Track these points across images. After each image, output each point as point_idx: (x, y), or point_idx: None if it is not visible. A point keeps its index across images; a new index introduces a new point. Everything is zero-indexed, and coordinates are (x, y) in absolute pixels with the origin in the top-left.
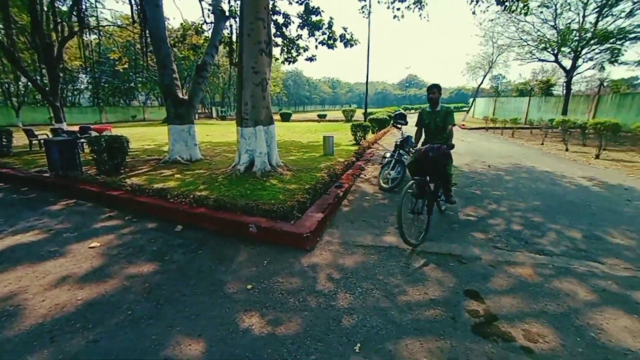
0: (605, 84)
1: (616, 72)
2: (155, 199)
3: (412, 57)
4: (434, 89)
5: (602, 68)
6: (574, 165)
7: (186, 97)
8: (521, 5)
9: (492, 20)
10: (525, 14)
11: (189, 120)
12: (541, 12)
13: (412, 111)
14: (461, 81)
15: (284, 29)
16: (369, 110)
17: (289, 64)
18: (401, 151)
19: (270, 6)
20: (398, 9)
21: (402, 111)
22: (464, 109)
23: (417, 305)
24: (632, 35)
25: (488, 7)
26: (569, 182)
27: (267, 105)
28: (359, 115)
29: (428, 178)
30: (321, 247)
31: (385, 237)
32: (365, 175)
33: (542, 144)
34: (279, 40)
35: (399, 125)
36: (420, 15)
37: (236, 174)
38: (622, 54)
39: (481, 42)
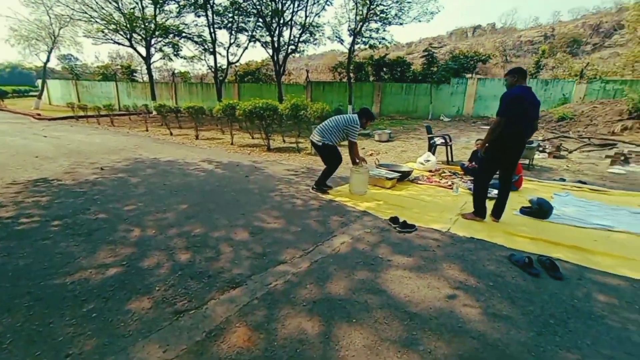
0: (176, 73)
1: (183, 65)
2: None
3: None
4: None
5: (170, 59)
6: (186, 148)
7: None
8: None
9: None
10: None
11: None
12: None
13: None
14: (14, 54)
15: None
16: None
17: None
18: None
19: None
20: None
21: None
22: (33, 93)
23: None
24: (183, 35)
25: None
26: (195, 169)
27: None
28: None
29: None
30: None
31: None
32: None
33: (147, 130)
34: None
35: None
36: None
37: None
38: (181, 50)
39: (28, 4)
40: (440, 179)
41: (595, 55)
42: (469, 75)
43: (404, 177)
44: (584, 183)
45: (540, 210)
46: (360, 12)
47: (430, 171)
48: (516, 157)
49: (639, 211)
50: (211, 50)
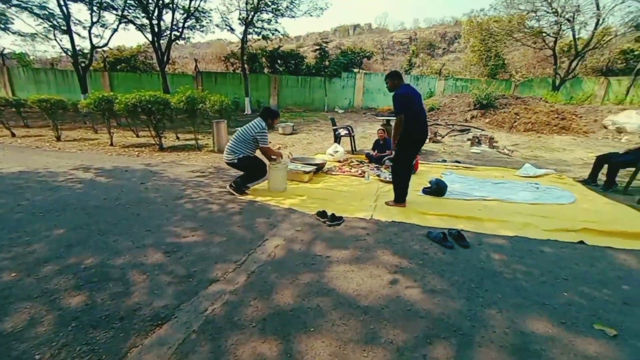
0: (6, 54)
1: (17, 44)
2: None
3: None
4: None
5: None
6: (46, 154)
7: None
8: None
9: None
10: None
11: None
12: None
13: None
14: None
15: None
16: None
17: None
18: None
19: None
20: None
21: None
22: None
23: None
24: (14, 2)
25: None
26: (67, 180)
27: None
28: None
29: None
30: None
31: None
32: None
33: None
34: None
35: None
36: None
37: None
38: (13, 22)
39: None
40: (351, 169)
41: (444, 58)
42: (357, 70)
43: (319, 169)
44: (459, 162)
45: (438, 188)
46: (251, 1)
47: (339, 161)
48: (421, 146)
49: (497, 182)
50: (64, 27)
